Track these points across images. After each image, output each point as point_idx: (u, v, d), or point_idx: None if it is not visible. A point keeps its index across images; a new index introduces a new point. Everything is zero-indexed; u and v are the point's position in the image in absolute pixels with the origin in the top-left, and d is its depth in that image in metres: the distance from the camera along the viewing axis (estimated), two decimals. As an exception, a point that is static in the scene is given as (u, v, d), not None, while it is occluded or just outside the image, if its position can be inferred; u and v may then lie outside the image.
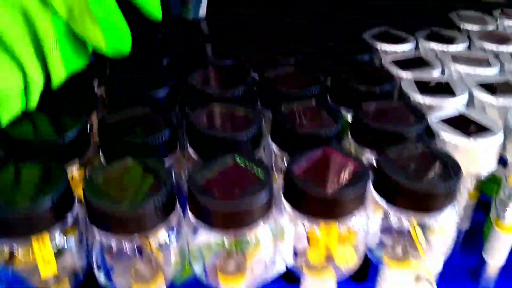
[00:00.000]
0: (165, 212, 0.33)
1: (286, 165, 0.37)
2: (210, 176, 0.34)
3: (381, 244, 0.40)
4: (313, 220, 0.35)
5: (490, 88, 0.48)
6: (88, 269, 0.37)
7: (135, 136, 0.38)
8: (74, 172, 0.39)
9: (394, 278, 0.43)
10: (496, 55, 0.56)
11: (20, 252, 0.34)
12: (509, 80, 0.50)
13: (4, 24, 0.34)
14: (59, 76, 0.39)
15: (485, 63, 0.54)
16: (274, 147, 0.41)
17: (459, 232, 0.57)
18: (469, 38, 0.60)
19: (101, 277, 0.37)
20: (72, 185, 0.34)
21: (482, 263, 0.53)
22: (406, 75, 0.51)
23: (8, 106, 0.37)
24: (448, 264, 0.46)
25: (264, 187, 0.33)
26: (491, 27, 0.64)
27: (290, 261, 0.39)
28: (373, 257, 0.41)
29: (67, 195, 0.33)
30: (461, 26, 0.63)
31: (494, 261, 0.51)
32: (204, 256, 0.38)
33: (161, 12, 0.41)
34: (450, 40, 0.58)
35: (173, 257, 0.37)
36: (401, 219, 0.37)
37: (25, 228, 0.32)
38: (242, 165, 0.35)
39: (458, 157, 0.37)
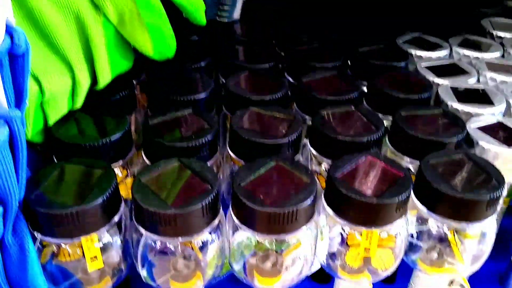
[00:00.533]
0: (211, 215, 0.34)
1: (324, 169, 0.38)
2: (255, 180, 0.35)
3: (417, 248, 0.40)
4: (355, 226, 0.35)
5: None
6: (131, 265, 0.38)
7: (179, 139, 0.39)
8: (118, 172, 0.40)
9: (428, 282, 0.44)
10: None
11: (68, 248, 0.35)
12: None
13: (57, 27, 0.35)
14: (105, 78, 0.40)
15: None
16: (313, 151, 0.42)
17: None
18: (502, 45, 0.60)
19: (143, 273, 0.38)
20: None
21: (510, 268, 0.53)
22: (442, 82, 0.51)
23: (56, 106, 0.38)
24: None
25: (310, 192, 0.33)
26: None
27: (325, 262, 0.40)
28: (408, 261, 0.41)
29: (116, 196, 0.34)
30: (494, 33, 0.63)
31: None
32: (244, 255, 0.38)
33: (205, 17, 0.42)
34: (484, 48, 0.58)
35: (213, 256, 0.38)
36: (440, 226, 0.37)
37: (76, 229, 0.33)
38: (286, 169, 0.36)
39: (497, 166, 0.37)
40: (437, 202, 0.35)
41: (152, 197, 0.33)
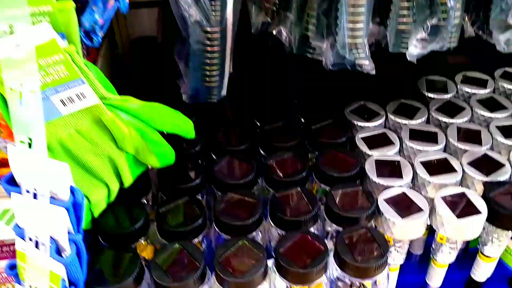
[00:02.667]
0: (200, 281, 0.54)
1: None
2: (226, 256, 0.55)
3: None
4: (294, 285, 0.56)
5: (429, 167, 0.66)
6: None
7: (180, 224, 0.59)
8: (141, 241, 0.61)
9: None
10: (446, 128, 0.73)
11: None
12: (448, 157, 0.68)
13: (96, 165, 0.54)
14: (128, 183, 0.59)
15: (434, 138, 0.71)
16: (272, 225, 0.62)
17: (414, 256, 0.78)
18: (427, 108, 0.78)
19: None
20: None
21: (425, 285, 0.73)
22: (370, 154, 0.69)
23: (99, 206, 0.58)
24: None
25: (263, 265, 0.54)
26: (450, 95, 0.80)
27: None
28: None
29: (140, 274, 0.55)
30: (426, 95, 0.80)
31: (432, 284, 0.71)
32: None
33: (194, 133, 0.61)
34: (411, 115, 0.76)
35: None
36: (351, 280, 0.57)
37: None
38: (249, 247, 0.56)
39: (394, 232, 0.57)
40: (345, 267, 0.55)
41: (165, 275, 0.53)
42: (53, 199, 0.48)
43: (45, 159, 0.47)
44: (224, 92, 0.77)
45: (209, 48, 0.68)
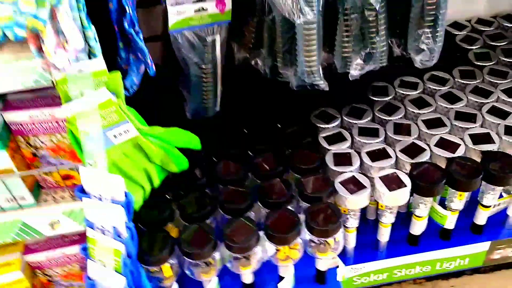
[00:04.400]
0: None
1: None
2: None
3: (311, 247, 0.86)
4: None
5: (371, 155, 0.91)
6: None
7: (194, 211, 0.84)
8: (168, 228, 0.85)
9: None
10: (386, 123, 0.98)
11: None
12: (385, 147, 0.93)
13: (137, 175, 0.78)
14: (157, 185, 0.83)
15: (376, 133, 0.96)
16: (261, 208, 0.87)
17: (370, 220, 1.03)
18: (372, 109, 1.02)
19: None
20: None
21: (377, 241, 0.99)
22: (330, 148, 0.94)
23: (138, 203, 0.82)
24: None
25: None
26: (390, 97, 1.05)
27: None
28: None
29: (171, 248, 0.79)
30: (373, 98, 1.05)
31: (382, 239, 0.97)
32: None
33: (200, 144, 0.85)
34: (359, 115, 1.00)
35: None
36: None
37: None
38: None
39: (348, 206, 0.83)
40: (312, 231, 0.80)
41: (186, 245, 0.78)
42: (113, 200, 0.72)
43: (106, 174, 0.71)
44: (217, 108, 1.01)
45: (204, 80, 0.93)
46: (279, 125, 1.02)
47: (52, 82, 0.64)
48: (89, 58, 0.65)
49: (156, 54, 1.19)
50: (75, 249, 0.94)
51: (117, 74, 0.68)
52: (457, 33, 1.20)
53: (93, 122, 0.68)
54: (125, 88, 0.71)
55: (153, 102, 1.11)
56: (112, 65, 0.70)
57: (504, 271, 1.24)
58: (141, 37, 0.68)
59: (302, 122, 1.01)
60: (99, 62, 0.65)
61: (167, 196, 0.90)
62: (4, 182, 0.77)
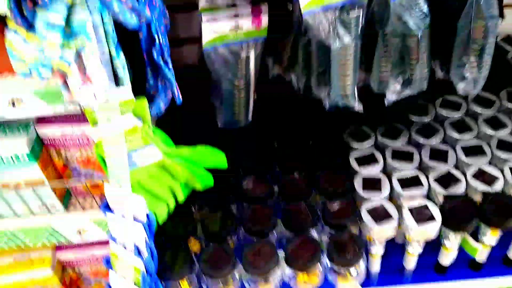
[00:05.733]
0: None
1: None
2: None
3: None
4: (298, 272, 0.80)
5: (403, 182, 0.88)
6: None
7: (216, 229, 0.84)
8: (191, 242, 0.87)
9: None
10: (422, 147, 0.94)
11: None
12: (418, 174, 0.89)
13: (161, 192, 0.79)
14: (181, 201, 0.84)
15: (410, 157, 0.93)
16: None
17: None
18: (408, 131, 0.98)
19: None
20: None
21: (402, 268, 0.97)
22: (360, 171, 0.92)
23: (162, 217, 0.83)
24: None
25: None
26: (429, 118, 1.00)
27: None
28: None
29: (191, 265, 0.81)
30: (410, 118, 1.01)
31: (408, 267, 0.95)
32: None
33: (226, 164, 0.85)
34: (395, 136, 0.97)
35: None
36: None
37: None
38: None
39: (374, 236, 0.81)
40: (332, 260, 0.80)
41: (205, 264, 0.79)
42: (135, 219, 0.74)
43: (130, 195, 0.72)
44: (249, 119, 1.00)
45: (236, 95, 0.92)
46: (311, 141, 1.00)
47: (80, 108, 0.65)
48: (117, 84, 0.66)
49: (195, 55, 1.19)
50: (103, 251, 0.97)
51: (144, 101, 0.68)
52: (509, 49, 1.13)
53: (119, 147, 0.69)
54: (153, 114, 0.72)
55: (185, 108, 1.12)
56: (141, 89, 0.70)
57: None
58: (170, 67, 0.67)
59: (334, 139, 0.99)
60: (127, 92, 0.65)
61: (192, 209, 0.90)
62: (36, 191, 0.80)
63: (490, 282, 0.96)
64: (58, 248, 0.97)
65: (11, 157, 0.75)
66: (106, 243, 0.97)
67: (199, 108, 1.05)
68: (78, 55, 0.55)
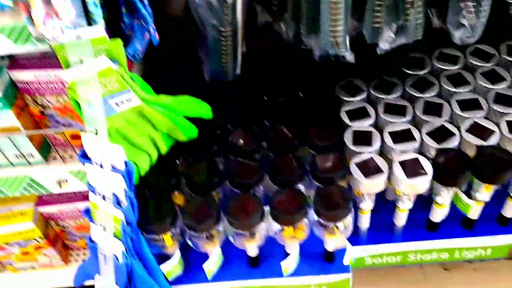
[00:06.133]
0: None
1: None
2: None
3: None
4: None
5: (394, 136, 0.85)
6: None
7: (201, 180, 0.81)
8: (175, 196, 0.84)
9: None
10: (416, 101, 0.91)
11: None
12: (411, 128, 0.86)
13: (142, 142, 0.76)
14: (164, 152, 0.81)
15: (402, 112, 0.89)
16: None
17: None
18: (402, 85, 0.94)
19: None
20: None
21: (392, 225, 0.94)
22: (350, 125, 0.88)
23: (144, 168, 0.80)
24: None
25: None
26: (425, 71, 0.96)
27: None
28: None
29: (174, 218, 0.78)
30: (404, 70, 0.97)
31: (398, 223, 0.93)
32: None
33: (211, 113, 0.81)
34: (388, 89, 0.93)
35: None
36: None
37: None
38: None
39: (361, 190, 0.78)
40: (319, 215, 0.77)
41: (189, 217, 0.77)
42: (114, 168, 0.71)
43: (107, 143, 0.69)
44: (238, 71, 0.96)
45: (223, 43, 0.87)
46: (301, 94, 0.97)
47: (49, 46, 0.62)
48: (89, 24, 0.62)
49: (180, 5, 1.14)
50: (85, 204, 0.95)
51: (118, 42, 0.64)
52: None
53: (93, 90, 0.65)
54: (129, 56, 0.68)
55: (171, 60, 1.08)
56: (116, 31, 0.66)
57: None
58: (145, 2, 0.63)
59: (325, 92, 0.95)
60: (99, 29, 0.61)
61: (177, 162, 0.87)
62: (12, 139, 0.77)
63: (482, 240, 0.94)
64: (41, 202, 0.95)
65: (-17, 102, 0.71)
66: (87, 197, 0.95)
67: (186, 63, 1.01)
68: (42, -16, 0.51)
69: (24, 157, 0.80)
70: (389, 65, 0.99)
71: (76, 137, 0.83)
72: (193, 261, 0.92)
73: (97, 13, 0.61)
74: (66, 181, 0.83)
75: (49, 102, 0.77)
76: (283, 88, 0.97)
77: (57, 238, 1.02)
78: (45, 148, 0.83)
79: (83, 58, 0.63)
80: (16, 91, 0.75)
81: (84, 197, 0.95)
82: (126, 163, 0.71)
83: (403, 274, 1.17)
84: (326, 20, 0.78)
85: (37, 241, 0.96)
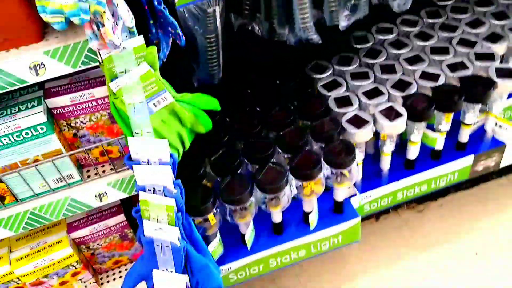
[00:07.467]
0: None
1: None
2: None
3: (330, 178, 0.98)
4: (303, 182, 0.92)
5: (367, 94, 1.03)
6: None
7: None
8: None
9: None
10: (372, 66, 1.10)
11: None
12: (378, 86, 1.05)
13: (173, 138, 0.87)
14: (187, 147, 0.92)
15: (366, 75, 1.08)
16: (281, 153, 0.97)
17: (369, 154, 1.16)
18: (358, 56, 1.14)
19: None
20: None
21: (379, 170, 1.12)
22: (330, 94, 1.05)
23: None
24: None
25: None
26: (371, 43, 1.17)
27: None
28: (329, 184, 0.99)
29: (214, 199, 0.90)
30: (355, 46, 1.17)
31: (384, 167, 1.11)
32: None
33: (219, 105, 0.94)
34: (348, 62, 1.12)
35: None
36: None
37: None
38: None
39: (353, 140, 0.95)
40: (330, 163, 0.92)
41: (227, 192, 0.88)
42: (160, 162, 0.81)
43: (152, 140, 0.80)
44: (220, 75, 1.10)
45: (209, 49, 1.01)
46: (278, 82, 1.12)
47: (99, 61, 0.72)
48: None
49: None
50: (115, 220, 1.02)
51: (154, 48, 0.76)
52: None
53: (137, 93, 0.76)
54: (160, 60, 0.79)
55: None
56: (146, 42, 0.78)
57: (482, 185, 1.42)
58: (167, 12, 0.76)
59: (298, 76, 1.12)
60: (139, 39, 0.72)
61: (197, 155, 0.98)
62: (55, 163, 0.84)
63: (449, 167, 1.14)
64: (71, 229, 1.00)
65: (30, 130, 0.78)
66: (116, 213, 1.03)
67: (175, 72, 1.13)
68: (107, 2, 0.62)
69: (64, 179, 0.87)
70: (342, 45, 1.19)
71: (104, 153, 0.92)
72: (228, 244, 1.02)
73: (134, 26, 0.72)
74: (106, 193, 0.90)
75: (82, 122, 0.85)
76: (261, 80, 1.13)
77: (88, 263, 1.07)
78: (79, 169, 0.90)
79: (127, 67, 0.74)
80: (52, 118, 0.83)
81: (111, 213, 1.03)
82: (171, 155, 0.82)
83: (386, 223, 1.36)
84: (296, 10, 0.95)
85: (74, 267, 1.00)
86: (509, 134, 1.14)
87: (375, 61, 1.12)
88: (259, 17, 1.02)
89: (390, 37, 1.18)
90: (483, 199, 1.39)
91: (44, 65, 0.71)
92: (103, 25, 0.63)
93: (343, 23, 1.00)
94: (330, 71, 1.12)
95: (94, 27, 0.65)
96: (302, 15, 0.96)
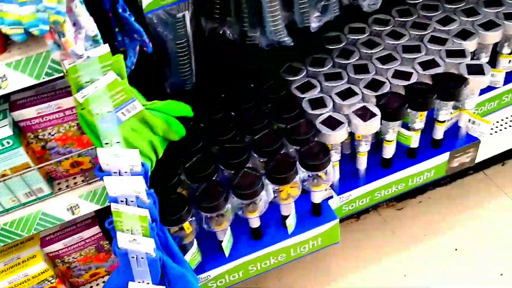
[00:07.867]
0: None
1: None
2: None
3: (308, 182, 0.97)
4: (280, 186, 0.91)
5: (341, 95, 1.03)
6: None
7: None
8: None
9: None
10: (345, 67, 1.10)
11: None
12: (351, 86, 1.05)
13: (144, 147, 0.85)
14: (160, 155, 0.91)
15: (339, 76, 1.08)
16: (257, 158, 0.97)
17: (346, 154, 1.16)
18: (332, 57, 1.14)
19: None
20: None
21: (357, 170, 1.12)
22: (303, 96, 1.05)
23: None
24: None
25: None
26: (343, 44, 1.17)
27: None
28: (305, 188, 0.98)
29: (189, 207, 0.88)
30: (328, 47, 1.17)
31: (360, 167, 1.10)
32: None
33: (192, 111, 0.93)
34: (321, 64, 1.12)
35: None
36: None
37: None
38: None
39: (327, 142, 0.94)
40: (306, 167, 0.92)
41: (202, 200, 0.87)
42: (132, 173, 0.80)
43: (123, 150, 0.78)
44: (194, 80, 1.09)
45: (180, 54, 1.00)
46: (252, 85, 1.12)
47: (63, 72, 0.70)
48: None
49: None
50: (90, 232, 1.00)
51: (120, 57, 0.74)
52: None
53: (105, 103, 0.74)
54: (127, 68, 0.78)
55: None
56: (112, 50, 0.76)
57: (459, 181, 1.44)
58: (133, 19, 0.75)
59: (272, 79, 1.11)
60: (104, 47, 0.71)
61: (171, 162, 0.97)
62: (23, 178, 0.82)
63: (425, 164, 1.15)
64: (45, 243, 0.98)
65: (-5, 145, 0.76)
66: (91, 225, 1.01)
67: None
68: (67, 11, 0.61)
69: (35, 193, 0.85)
70: (314, 46, 1.18)
71: (77, 164, 0.90)
72: (206, 252, 1.01)
73: (98, 34, 0.71)
74: (78, 206, 0.89)
75: (50, 134, 0.83)
76: (235, 85, 1.12)
77: (64, 278, 1.04)
78: (50, 182, 0.88)
79: (93, 77, 0.73)
80: (18, 131, 0.81)
81: (86, 225, 1.01)
82: (143, 164, 0.80)
83: (366, 222, 1.36)
84: (267, 13, 0.94)
85: (50, 281, 0.98)
86: (482, 130, 1.15)
87: (348, 62, 1.12)
88: (230, 20, 1.01)
89: (362, 37, 1.18)
90: (461, 195, 1.40)
91: (6, 77, 0.69)
92: (64, 35, 0.61)
93: (314, 24, 1.00)
94: (304, 73, 1.11)
95: (56, 37, 0.63)
96: (272, 18, 0.95)
